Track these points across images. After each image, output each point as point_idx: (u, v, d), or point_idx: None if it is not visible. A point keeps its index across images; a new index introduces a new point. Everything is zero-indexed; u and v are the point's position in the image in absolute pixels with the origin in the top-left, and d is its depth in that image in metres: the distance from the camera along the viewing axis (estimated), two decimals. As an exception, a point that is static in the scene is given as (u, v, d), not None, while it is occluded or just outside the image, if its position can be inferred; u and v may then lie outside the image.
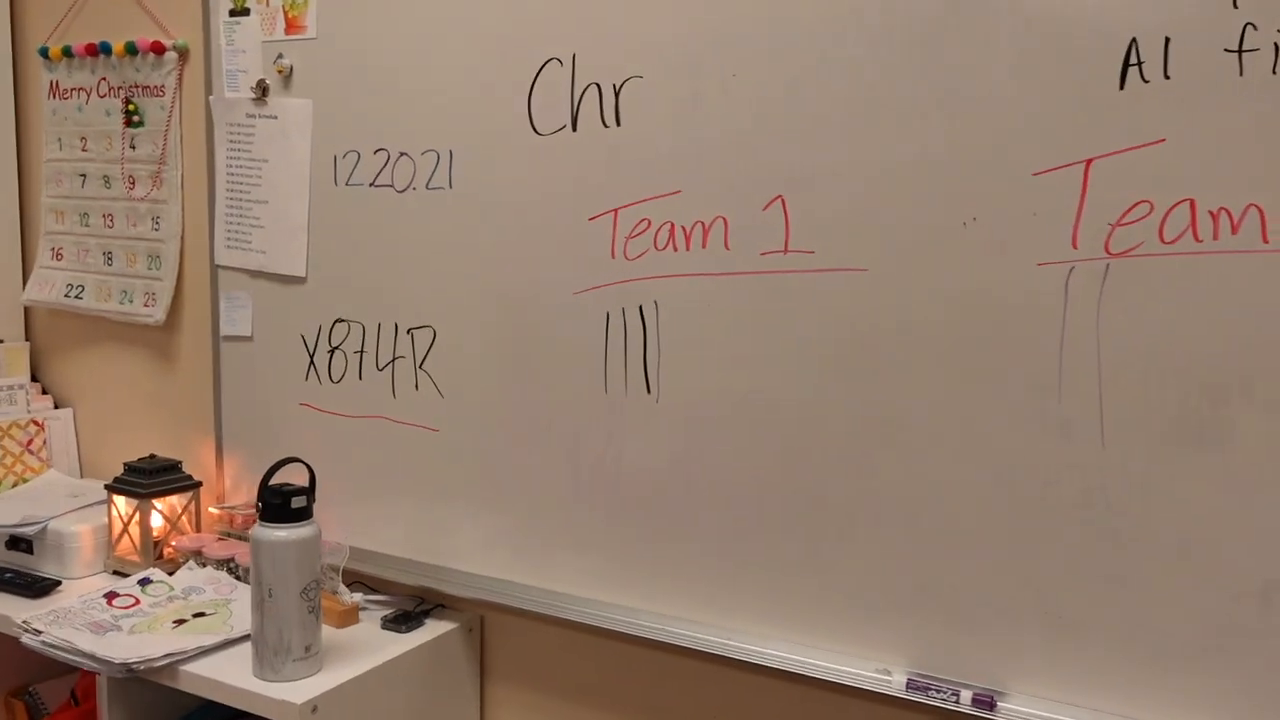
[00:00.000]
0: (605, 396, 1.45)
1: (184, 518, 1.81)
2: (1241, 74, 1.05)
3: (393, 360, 1.64)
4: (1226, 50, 1.06)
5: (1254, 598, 1.10)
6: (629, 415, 1.44)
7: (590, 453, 1.47)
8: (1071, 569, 1.18)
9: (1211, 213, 1.08)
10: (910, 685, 1.27)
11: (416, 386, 1.62)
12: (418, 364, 1.62)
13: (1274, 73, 1.04)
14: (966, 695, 1.24)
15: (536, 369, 1.51)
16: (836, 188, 1.27)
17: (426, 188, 1.58)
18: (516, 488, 1.54)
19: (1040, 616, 1.20)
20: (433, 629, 1.59)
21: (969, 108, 1.19)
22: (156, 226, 1.91)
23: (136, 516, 1.75)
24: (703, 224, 1.36)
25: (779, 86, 1.30)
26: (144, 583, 1.66)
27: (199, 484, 1.83)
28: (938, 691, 1.26)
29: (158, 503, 1.77)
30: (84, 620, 1.53)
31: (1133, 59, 1.10)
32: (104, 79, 1.93)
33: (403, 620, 1.58)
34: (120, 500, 1.77)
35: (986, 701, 1.23)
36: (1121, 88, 1.11)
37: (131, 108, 1.90)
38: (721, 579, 1.40)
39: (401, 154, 1.59)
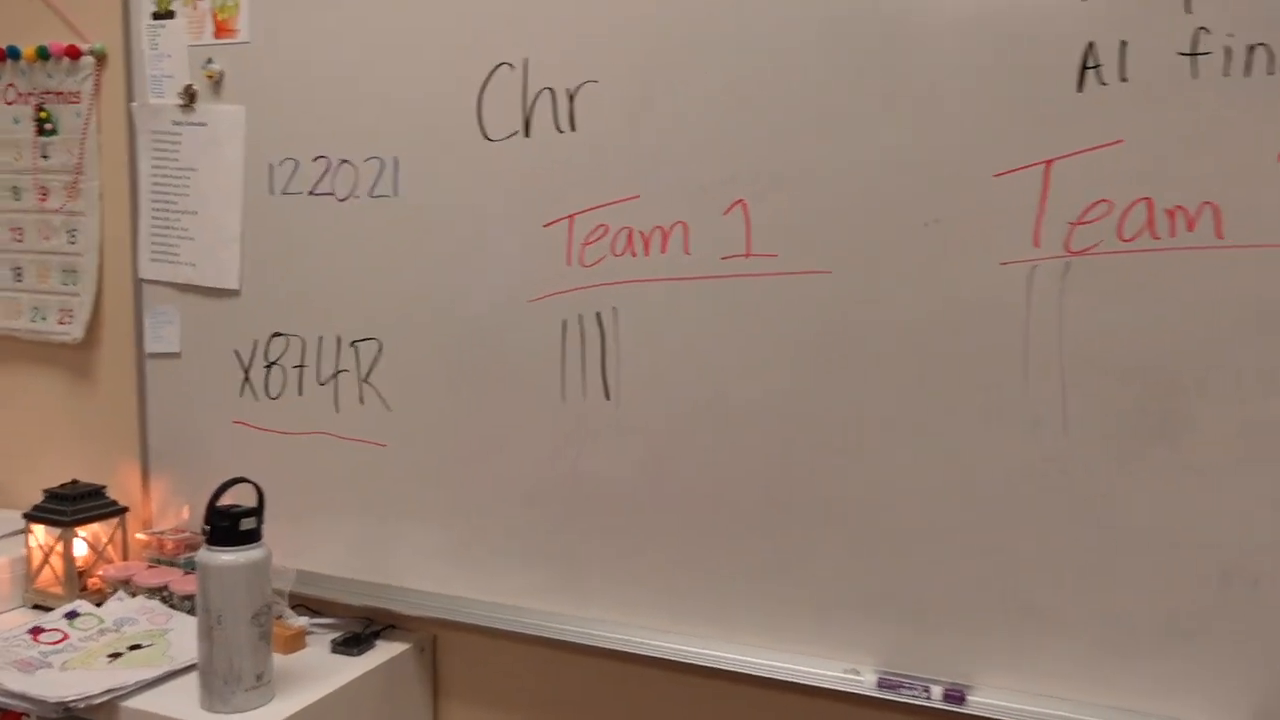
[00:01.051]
0: (562, 404, 1.43)
1: (110, 546, 1.71)
2: (1195, 76, 1.09)
3: (335, 374, 1.59)
4: (1180, 53, 1.09)
5: (1214, 581, 1.14)
6: (587, 423, 1.41)
7: (546, 462, 1.44)
8: (1037, 561, 1.20)
9: (1168, 211, 1.11)
10: (882, 684, 1.27)
11: (361, 400, 1.57)
12: (362, 377, 1.57)
13: (1226, 75, 1.08)
14: (937, 691, 1.25)
15: (489, 378, 1.48)
16: (798, 191, 1.27)
17: (370, 195, 1.53)
18: (469, 500, 1.50)
19: (1008, 609, 1.22)
20: (385, 650, 1.53)
21: (929, 110, 1.20)
22: (73, 240, 1.81)
23: (59, 546, 1.66)
24: (662, 229, 1.35)
25: (736, 91, 1.29)
26: (71, 616, 1.57)
27: (125, 509, 1.74)
28: (908, 689, 1.26)
29: (81, 531, 1.67)
30: (8, 658, 1.43)
31: (1090, 62, 1.13)
32: (11, 85, 1.83)
33: (353, 643, 1.53)
34: (40, 529, 1.67)
35: (957, 696, 1.24)
36: (1080, 90, 1.14)
37: (44, 115, 1.80)
38: (685, 586, 1.38)
39: (343, 161, 1.54)
